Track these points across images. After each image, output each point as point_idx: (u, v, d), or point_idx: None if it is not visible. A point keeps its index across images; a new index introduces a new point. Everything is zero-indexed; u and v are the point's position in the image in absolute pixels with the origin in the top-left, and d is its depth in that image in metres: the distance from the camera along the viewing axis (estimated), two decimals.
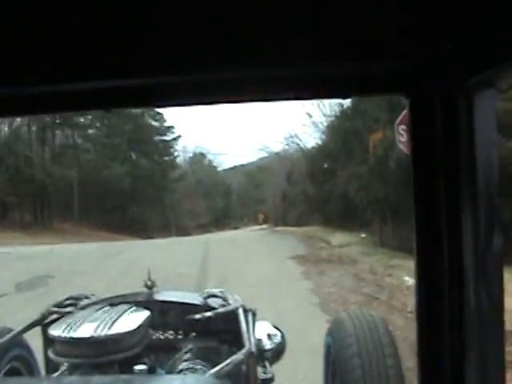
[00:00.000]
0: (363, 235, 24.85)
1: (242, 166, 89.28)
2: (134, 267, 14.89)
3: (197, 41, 0.88)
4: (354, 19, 0.89)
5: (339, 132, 30.88)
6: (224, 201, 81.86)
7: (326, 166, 32.00)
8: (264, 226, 57.35)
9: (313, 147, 40.62)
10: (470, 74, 0.99)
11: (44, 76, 0.90)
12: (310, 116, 37.97)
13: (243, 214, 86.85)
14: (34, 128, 52.48)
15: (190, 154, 78.73)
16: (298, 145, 46.45)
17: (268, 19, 0.87)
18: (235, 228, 75.67)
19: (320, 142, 39.38)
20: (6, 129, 50.15)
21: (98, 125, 58.22)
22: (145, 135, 61.45)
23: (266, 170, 69.56)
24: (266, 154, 58.98)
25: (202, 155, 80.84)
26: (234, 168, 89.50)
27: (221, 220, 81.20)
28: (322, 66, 0.91)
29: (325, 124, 37.43)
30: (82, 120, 55.12)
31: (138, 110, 56.11)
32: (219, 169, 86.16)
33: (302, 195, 47.76)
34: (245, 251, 21.94)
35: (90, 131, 59.46)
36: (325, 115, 36.63)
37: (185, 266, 16.37)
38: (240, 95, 1.01)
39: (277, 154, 51.39)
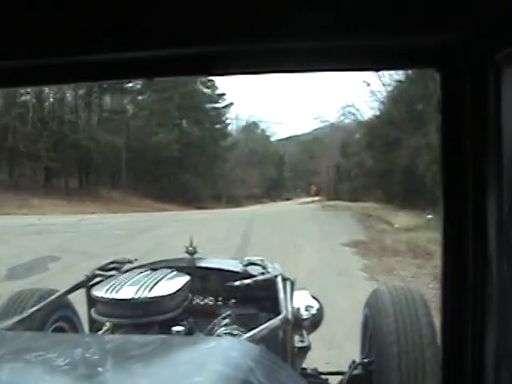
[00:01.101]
0: (429, 216, 20.60)
1: (297, 136, 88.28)
2: (161, 249, 12.40)
3: (255, 9, 0.88)
4: None
5: (404, 98, 26.84)
6: (277, 171, 79.15)
7: (389, 135, 27.61)
8: (316, 198, 56.38)
9: (372, 117, 36.70)
10: (498, 49, 1.01)
11: (102, 44, 0.89)
12: (368, 84, 34.77)
13: (296, 185, 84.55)
14: (80, 93, 49.08)
15: (243, 123, 76.28)
16: (354, 115, 42.93)
17: None
18: (287, 199, 74.24)
19: (378, 112, 35.99)
20: (51, 94, 46.87)
21: (147, 90, 54.37)
22: (196, 102, 57.92)
23: (320, 141, 67.52)
24: (320, 124, 56.02)
25: (256, 124, 78.00)
26: (288, 138, 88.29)
27: (273, 190, 78.96)
28: (357, 38, 0.90)
29: (384, 93, 34.06)
30: (130, 85, 51.64)
31: (189, 77, 52.84)
32: (273, 139, 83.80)
33: (357, 168, 45.23)
34: (292, 232, 17.99)
35: (140, 97, 55.91)
36: (384, 84, 33.16)
37: (219, 251, 12.66)
38: (291, 65, 0.99)
39: (332, 124, 47.63)
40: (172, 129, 55.43)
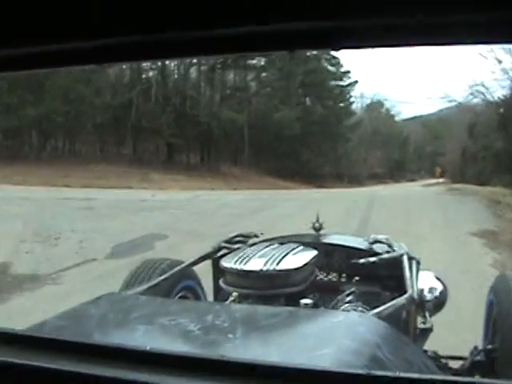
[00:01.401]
0: None
1: (421, 116, 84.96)
2: (273, 231, 11.02)
3: None
4: None
5: None
6: (400, 152, 77.13)
7: None
8: (440, 180, 54.75)
9: (503, 96, 34.33)
10: None
11: (228, 17, 0.89)
12: (500, 62, 32.86)
13: (420, 166, 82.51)
14: (203, 68, 48.76)
15: (368, 102, 74.13)
16: (483, 94, 40.56)
17: None
18: (411, 180, 72.89)
19: (510, 91, 33.51)
20: (175, 70, 46.80)
21: (270, 67, 53.39)
22: (319, 80, 56.25)
23: (446, 121, 65.91)
24: (447, 104, 53.85)
25: (380, 103, 75.63)
26: (413, 118, 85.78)
27: (396, 171, 76.91)
28: (487, 10, 0.83)
29: None
30: (254, 62, 50.77)
31: (313, 54, 52.39)
32: (397, 118, 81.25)
33: (484, 150, 43.10)
34: (414, 218, 16.55)
35: (263, 74, 54.86)
36: None
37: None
38: (420, 39, 0.94)
39: (459, 103, 45.20)
40: (294, 106, 54.15)
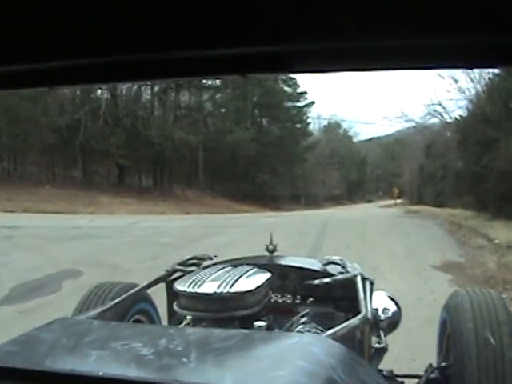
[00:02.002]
0: None
1: (379, 137, 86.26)
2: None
3: (338, 8, 0.82)
4: None
5: (500, 93, 23.08)
6: (358, 173, 76.62)
7: (483, 134, 23.74)
8: (398, 201, 54.74)
9: (461, 116, 33.21)
10: None
11: (178, 42, 0.87)
12: (456, 81, 31.74)
13: (377, 187, 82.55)
14: (156, 89, 46.59)
15: (325, 123, 73.47)
16: (441, 114, 39.53)
17: None
18: (369, 201, 73.88)
19: (467, 111, 32.65)
20: (124, 89, 44.44)
21: (225, 87, 51.50)
22: (276, 100, 54.54)
23: (403, 142, 65.46)
24: (404, 123, 53.15)
25: (337, 124, 75.47)
26: (371, 139, 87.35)
27: (354, 192, 77.49)
28: (443, 35, 0.82)
29: (472, 90, 30.95)
30: (209, 82, 48.73)
31: (269, 75, 49.88)
32: (354, 139, 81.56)
33: (442, 170, 42.27)
34: (371, 246, 14.41)
35: (218, 95, 52.81)
36: (473, 80, 30.20)
37: None
38: (373, 64, 0.93)
39: (416, 123, 44.15)
40: (250, 127, 52.65)
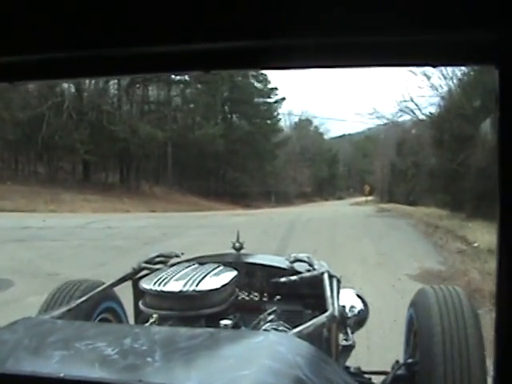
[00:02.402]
0: None
1: (350, 135, 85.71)
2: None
3: (309, 3, 0.87)
4: None
5: (477, 88, 21.86)
6: (329, 170, 75.50)
7: (459, 130, 22.47)
8: (369, 198, 53.86)
9: (433, 112, 32.23)
10: None
11: (149, 37, 0.91)
12: (429, 78, 30.34)
13: (349, 184, 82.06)
14: (123, 83, 44.62)
15: (296, 120, 71.97)
16: (413, 111, 38.39)
17: None
18: (340, 198, 72.18)
19: (439, 107, 31.95)
20: (90, 84, 42.34)
21: (194, 82, 49.76)
22: (246, 96, 53.06)
23: (374, 139, 64.92)
24: (376, 120, 52.00)
25: (309, 121, 73.83)
26: (342, 137, 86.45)
27: (325, 189, 76.01)
28: (412, 33, 0.88)
29: (445, 88, 30.05)
30: (178, 78, 47.00)
31: (240, 71, 48.19)
32: (326, 136, 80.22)
33: (414, 168, 40.96)
34: (342, 251, 12.76)
35: (187, 90, 51.14)
36: (445, 77, 29.29)
37: None
38: (346, 61, 0.98)
39: (388, 119, 42.91)
40: (218, 123, 51.18)
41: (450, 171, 23.28)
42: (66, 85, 39.84)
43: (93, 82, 41.64)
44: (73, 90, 41.46)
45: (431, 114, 34.69)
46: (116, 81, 43.36)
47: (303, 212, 30.61)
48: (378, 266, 11.43)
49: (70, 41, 0.89)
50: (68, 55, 0.92)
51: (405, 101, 38.09)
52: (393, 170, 49.95)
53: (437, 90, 31.63)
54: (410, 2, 0.82)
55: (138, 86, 46.06)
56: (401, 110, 40.02)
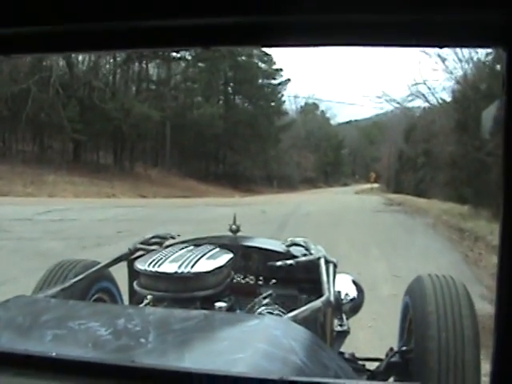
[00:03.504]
0: None
1: (357, 121, 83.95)
2: None
3: None
4: None
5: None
6: (335, 155, 72.38)
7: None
8: (375, 185, 53.59)
9: (448, 97, 29.42)
10: None
11: (147, 11, 0.88)
12: (444, 60, 27.31)
13: (354, 170, 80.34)
14: (119, 59, 40.63)
15: (302, 103, 68.96)
16: (424, 96, 35.17)
17: None
18: (345, 184, 70.50)
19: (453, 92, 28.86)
20: (86, 58, 38.31)
21: (195, 60, 45.82)
22: (249, 76, 49.07)
23: (381, 126, 63.39)
24: (385, 103, 48.75)
25: (315, 105, 70.93)
26: (349, 122, 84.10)
27: (330, 175, 73.86)
28: (419, 13, 0.86)
29: (460, 71, 27.20)
30: (177, 55, 43.02)
31: (245, 50, 44.72)
32: (332, 122, 77.36)
33: (424, 156, 37.80)
34: (344, 266, 9.10)
35: (189, 69, 47.01)
36: (460, 60, 26.68)
37: None
38: (353, 39, 0.95)
39: (398, 103, 39.57)
40: (222, 103, 47.65)
41: (475, 161, 19.35)
42: (55, 58, 35.99)
43: (86, 57, 37.83)
44: (62, 64, 37.46)
45: (443, 100, 31.86)
46: (111, 57, 39.56)
47: (304, 202, 26.67)
48: (393, 300, 7.55)
49: (67, 14, 0.86)
50: (66, 28, 0.89)
51: (416, 83, 35.18)
52: (400, 157, 47.07)
53: (452, 73, 28.75)
54: None
55: (135, 62, 42.06)
56: (412, 94, 36.81)
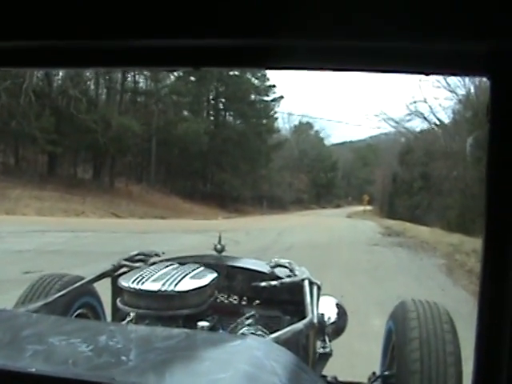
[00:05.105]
0: None
1: (351, 142, 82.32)
2: None
3: (313, 5, 0.85)
4: None
5: None
6: (328, 177, 69.86)
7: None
8: (368, 208, 51.37)
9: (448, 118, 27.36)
10: None
11: (137, 30, 0.87)
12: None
13: (347, 192, 76.64)
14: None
15: (296, 122, 65.69)
16: (423, 115, 33.35)
17: None
18: (337, 206, 68.14)
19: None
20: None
21: (185, 75, 41.96)
22: (241, 92, 45.49)
23: (376, 148, 61.41)
24: (382, 122, 46.94)
25: (309, 124, 67.57)
26: (343, 144, 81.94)
27: (323, 196, 70.60)
28: (408, 40, 0.87)
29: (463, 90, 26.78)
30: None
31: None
32: (326, 142, 74.58)
33: (421, 180, 35.97)
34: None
35: (178, 82, 43.28)
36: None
37: None
38: (347, 64, 0.96)
39: (396, 122, 37.43)
40: (210, 119, 44.21)
41: (470, 186, 15.66)
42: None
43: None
44: (38, 72, 33.66)
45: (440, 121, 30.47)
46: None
47: (290, 228, 22.68)
48: None
49: (57, 30, 0.85)
50: (55, 44, 0.88)
51: (415, 102, 33.06)
52: (395, 180, 43.97)
53: (455, 92, 28.06)
54: (408, 12, 0.81)
55: (119, 72, 38.28)
56: (411, 113, 34.24)
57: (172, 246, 12.61)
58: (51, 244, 13.32)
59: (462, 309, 6.99)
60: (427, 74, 1.15)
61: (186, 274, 2.57)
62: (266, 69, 0.97)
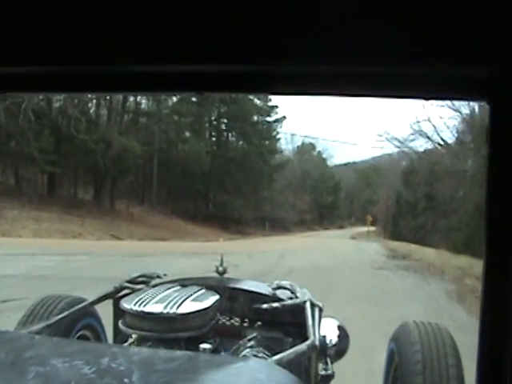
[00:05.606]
0: None
1: (355, 163, 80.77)
2: None
3: (315, 31, 0.85)
4: (436, 18, 0.85)
5: None
6: (331, 198, 68.34)
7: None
8: (371, 229, 49.82)
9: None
10: None
11: (156, 56, 0.87)
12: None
13: (351, 213, 76.55)
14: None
15: (299, 143, 65.08)
16: (427, 135, 33.48)
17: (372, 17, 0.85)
18: (341, 227, 67.16)
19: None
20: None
21: (186, 95, 41.50)
22: (243, 113, 45.00)
23: (379, 168, 60.70)
24: (386, 142, 47.29)
25: (312, 145, 66.83)
26: (346, 164, 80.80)
27: (326, 217, 69.55)
28: (407, 66, 0.88)
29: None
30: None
31: None
32: (329, 162, 73.34)
33: (426, 200, 35.85)
34: None
35: (181, 102, 42.70)
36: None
37: None
38: (347, 89, 0.96)
39: (399, 142, 36.99)
40: (212, 140, 43.87)
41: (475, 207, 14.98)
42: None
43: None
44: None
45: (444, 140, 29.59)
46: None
47: (291, 250, 21.84)
48: None
49: (57, 56, 0.85)
50: (56, 69, 0.88)
51: (419, 121, 32.53)
52: (398, 201, 43.17)
53: (459, 111, 27.66)
54: (408, 37, 0.81)
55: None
56: (414, 133, 33.69)
57: (166, 270, 11.92)
58: (39, 268, 12.61)
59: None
60: (427, 99, 1.03)
61: (188, 297, 2.56)
62: (268, 94, 0.83)
